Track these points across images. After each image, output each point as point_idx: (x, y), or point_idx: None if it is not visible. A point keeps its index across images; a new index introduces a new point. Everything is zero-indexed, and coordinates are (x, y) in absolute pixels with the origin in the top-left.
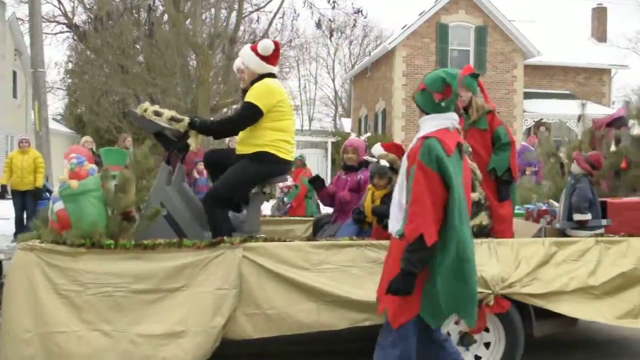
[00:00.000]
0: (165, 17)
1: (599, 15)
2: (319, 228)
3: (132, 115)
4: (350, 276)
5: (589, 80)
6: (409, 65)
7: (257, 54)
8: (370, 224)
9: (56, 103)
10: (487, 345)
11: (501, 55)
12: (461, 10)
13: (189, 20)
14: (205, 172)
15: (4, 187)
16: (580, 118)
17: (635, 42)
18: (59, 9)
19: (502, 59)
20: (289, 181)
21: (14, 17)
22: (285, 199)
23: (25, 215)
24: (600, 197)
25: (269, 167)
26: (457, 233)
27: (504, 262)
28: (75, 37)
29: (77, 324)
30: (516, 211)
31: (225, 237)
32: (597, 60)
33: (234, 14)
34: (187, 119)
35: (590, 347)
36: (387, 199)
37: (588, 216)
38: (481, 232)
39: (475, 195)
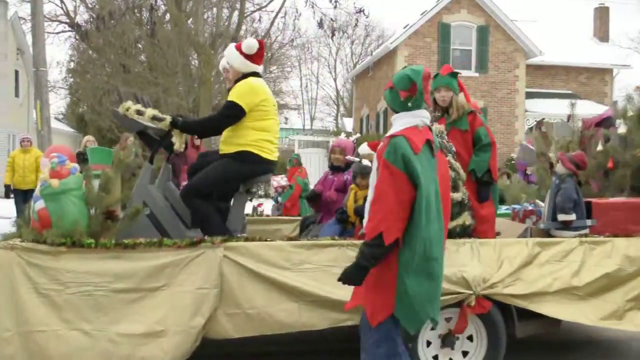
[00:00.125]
0: (167, 16)
1: (601, 14)
2: (305, 228)
3: (115, 115)
4: (331, 276)
5: (591, 80)
6: (411, 65)
7: (241, 52)
8: (353, 224)
9: (58, 102)
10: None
11: (503, 55)
12: (463, 10)
13: (190, 19)
14: None
15: (7, 186)
16: (569, 118)
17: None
18: (61, 8)
19: (504, 59)
20: (284, 181)
21: (16, 16)
22: (280, 198)
23: None
24: (587, 198)
25: (252, 166)
26: (423, 231)
27: (486, 262)
28: (77, 37)
29: (57, 323)
30: (504, 211)
31: (206, 237)
32: (599, 60)
33: (236, 13)
34: (168, 118)
35: (576, 348)
36: None
37: (572, 216)
38: (464, 232)
39: (458, 195)
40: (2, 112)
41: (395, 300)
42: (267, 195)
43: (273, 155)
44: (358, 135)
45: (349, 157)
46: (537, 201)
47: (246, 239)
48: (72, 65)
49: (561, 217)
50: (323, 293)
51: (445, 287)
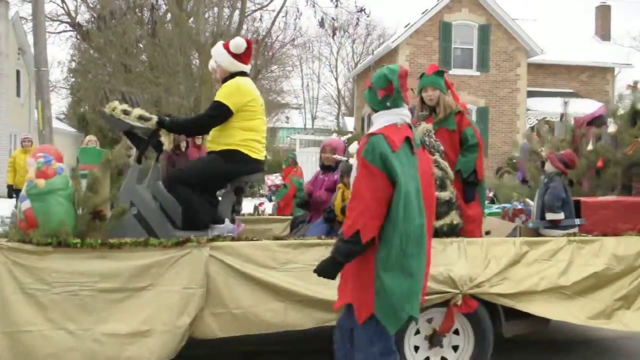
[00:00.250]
0: (168, 16)
1: (603, 13)
2: (295, 227)
3: (102, 115)
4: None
5: (593, 78)
6: (412, 64)
7: (229, 52)
8: (341, 223)
9: (59, 102)
10: (455, 347)
11: (504, 54)
12: (464, 9)
13: (191, 19)
14: None
15: (10, 186)
16: (562, 117)
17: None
18: (63, 8)
19: (506, 58)
20: (278, 180)
21: (17, 16)
22: (273, 197)
23: None
24: (579, 197)
25: (239, 165)
26: (400, 228)
27: (473, 261)
28: (78, 36)
29: (42, 322)
30: (495, 210)
31: (192, 236)
32: (601, 59)
33: (237, 12)
34: (155, 118)
35: (567, 348)
36: None
37: (560, 215)
38: (452, 231)
39: (446, 194)
40: (4, 112)
41: (374, 298)
42: (261, 195)
43: (260, 155)
44: (349, 135)
45: (336, 157)
46: (527, 200)
47: (232, 239)
48: (73, 65)
49: (549, 216)
50: (309, 293)
51: (431, 287)
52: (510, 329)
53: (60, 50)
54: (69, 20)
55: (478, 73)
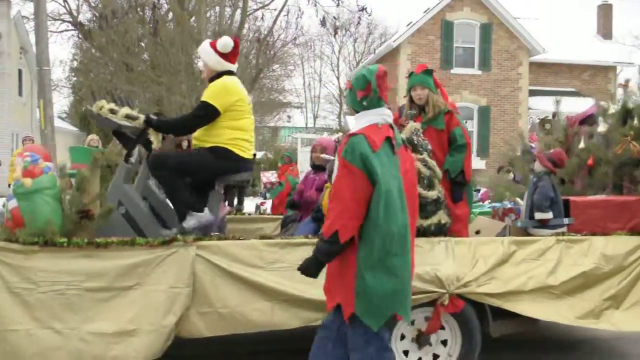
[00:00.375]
0: (170, 15)
1: (605, 12)
2: (285, 226)
3: (90, 114)
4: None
5: (595, 77)
6: (414, 63)
7: (216, 51)
8: None
9: (61, 101)
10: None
11: (506, 53)
12: (466, 8)
13: (193, 18)
14: None
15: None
16: (554, 115)
17: None
18: (64, 7)
19: (507, 57)
20: (274, 177)
21: (19, 15)
22: (268, 195)
23: None
24: (570, 196)
25: (226, 163)
26: (382, 227)
27: (461, 261)
28: (80, 35)
29: (28, 322)
30: (487, 209)
31: (178, 235)
32: (603, 58)
33: (239, 11)
34: (142, 117)
35: (558, 348)
36: None
37: (549, 215)
38: (440, 230)
39: (434, 193)
40: (6, 111)
41: (355, 297)
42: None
43: (248, 154)
44: (341, 134)
45: (324, 156)
46: (517, 199)
47: (219, 238)
48: (75, 64)
49: (538, 215)
50: (296, 292)
51: (418, 286)
52: (497, 329)
53: (62, 49)
54: (70, 19)
55: (480, 72)
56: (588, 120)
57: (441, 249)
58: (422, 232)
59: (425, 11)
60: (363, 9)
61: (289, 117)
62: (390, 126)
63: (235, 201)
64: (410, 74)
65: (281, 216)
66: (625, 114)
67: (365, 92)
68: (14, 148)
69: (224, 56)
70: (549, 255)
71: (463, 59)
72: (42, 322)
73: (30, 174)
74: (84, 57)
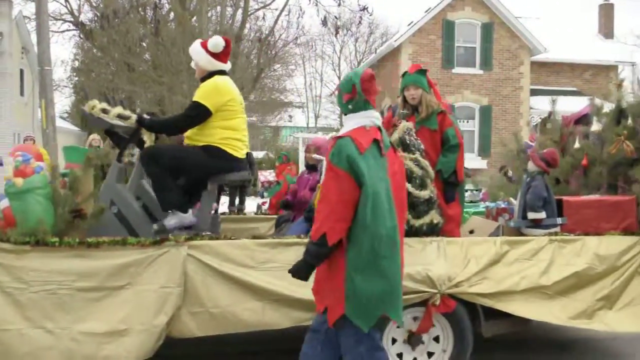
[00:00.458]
0: (172, 15)
1: (606, 11)
2: (279, 226)
3: (83, 114)
4: None
5: (596, 77)
6: (415, 62)
7: (207, 50)
8: None
9: (63, 101)
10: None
11: (507, 52)
12: (467, 7)
13: (194, 18)
14: None
15: None
16: (550, 115)
17: None
18: (66, 7)
19: (509, 56)
20: (271, 176)
21: (21, 15)
22: (266, 194)
23: None
24: (565, 196)
25: (219, 162)
26: (370, 229)
27: (452, 261)
28: (81, 35)
29: (20, 321)
30: (482, 208)
31: (170, 235)
32: (604, 57)
33: (240, 11)
34: (134, 117)
35: (552, 348)
36: None
37: (542, 215)
38: (432, 230)
39: (426, 193)
40: (8, 111)
41: (345, 299)
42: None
43: (241, 153)
44: (334, 133)
45: (315, 156)
46: (511, 199)
47: (210, 238)
48: (76, 64)
49: (531, 215)
50: (287, 292)
51: (410, 286)
52: (489, 329)
53: (64, 49)
54: (72, 19)
55: (481, 71)
56: (583, 120)
57: (433, 249)
58: (414, 232)
59: (426, 11)
60: (364, 8)
61: (290, 116)
62: (379, 128)
63: (237, 201)
64: (404, 74)
65: (273, 216)
66: (619, 114)
67: (350, 95)
68: None
69: (215, 56)
70: (542, 255)
71: (464, 59)
72: (33, 321)
73: (22, 174)
74: (85, 57)
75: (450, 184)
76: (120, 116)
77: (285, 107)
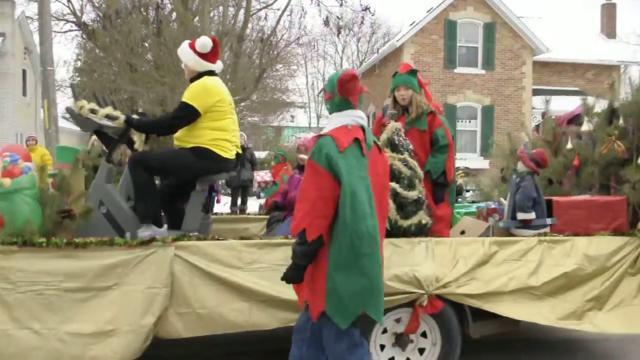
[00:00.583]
0: (174, 15)
1: (608, 11)
2: (270, 226)
3: (70, 114)
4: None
5: (599, 76)
6: (417, 62)
7: (195, 51)
8: None
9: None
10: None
11: (510, 52)
12: (469, 7)
13: (197, 18)
14: None
15: None
16: (544, 115)
17: None
18: (68, 7)
19: (511, 56)
20: (268, 177)
21: (23, 15)
22: (262, 194)
23: None
24: (557, 196)
25: (207, 163)
26: (350, 227)
27: (440, 261)
28: (84, 36)
29: (7, 322)
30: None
31: (157, 236)
32: (607, 57)
33: (242, 11)
34: (122, 117)
35: (543, 349)
36: None
37: (532, 215)
38: (420, 230)
39: (414, 194)
40: (10, 111)
41: (325, 296)
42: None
43: (230, 154)
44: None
45: (302, 156)
46: (501, 199)
47: (198, 238)
48: (79, 64)
49: (520, 215)
50: (274, 292)
51: (396, 287)
52: (477, 330)
53: (66, 49)
54: (74, 19)
55: (483, 71)
56: (576, 120)
57: (421, 250)
58: (403, 233)
59: (428, 11)
60: (366, 8)
61: (292, 116)
62: (362, 128)
63: (239, 201)
64: (394, 74)
65: (262, 216)
66: (611, 114)
67: (330, 95)
68: None
69: (204, 56)
70: (531, 255)
71: (466, 59)
72: (20, 322)
73: (10, 174)
74: (87, 57)
75: (440, 185)
76: (108, 116)
77: (288, 107)
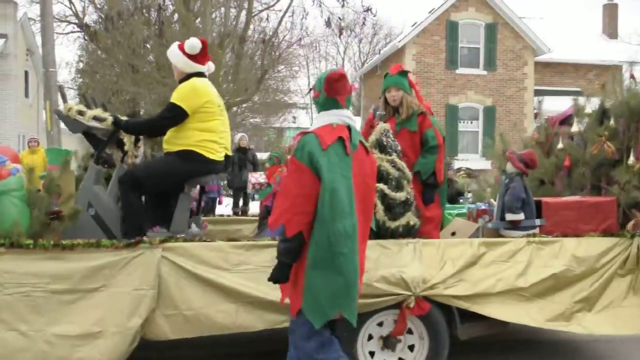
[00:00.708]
0: (176, 16)
1: (610, 11)
2: (261, 227)
3: (59, 116)
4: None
5: (600, 77)
6: (419, 63)
7: (184, 52)
8: None
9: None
10: (411, 348)
11: (511, 53)
12: (471, 8)
13: (198, 19)
14: None
15: None
16: (537, 115)
17: None
18: (70, 9)
19: (513, 56)
20: (262, 178)
21: (26, 17)
22: (257, 196)
23: None
24: (550, 197)
25: (195, 165)
26: (328, 226)
27: (428, 263)
28: (86, 37)
29: None
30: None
31: (144, 237)
32: (608, 57)
33: (244, 12)
34: (110, 118)
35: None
36: None
37: (520, 216)
38: (408, 232)
39: (402, 195)
40: (12, 112)
41: (303, 293)
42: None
43: (217, 156)
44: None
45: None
46: (491, 200)
47: (185, 240)
48: (81, 65)
49: (509, 216)
50: (260, 294)
51: (383, 288)
52: (465, 332)
53: (68, 51)
54: (76, 21)
55: (485, 72)
56: (568, 120)
57: (409, 251)
58: (390, 234)
59: (430, 11)
60: (368, 9)
61: (294, 118)
62: (348, 127)
63: (241, 202)
64: (385, 75)
65: (255, 217)
66: (602, 114)
67: (316, 94)
68: (20, 150)
69: (192, 58)
70: (519, 257)
71: (468, 59)
72: (7, 324)
73: None
74: (89, 58)
75: (429, 186)
76: (96, 118)
77: (289, 108)
